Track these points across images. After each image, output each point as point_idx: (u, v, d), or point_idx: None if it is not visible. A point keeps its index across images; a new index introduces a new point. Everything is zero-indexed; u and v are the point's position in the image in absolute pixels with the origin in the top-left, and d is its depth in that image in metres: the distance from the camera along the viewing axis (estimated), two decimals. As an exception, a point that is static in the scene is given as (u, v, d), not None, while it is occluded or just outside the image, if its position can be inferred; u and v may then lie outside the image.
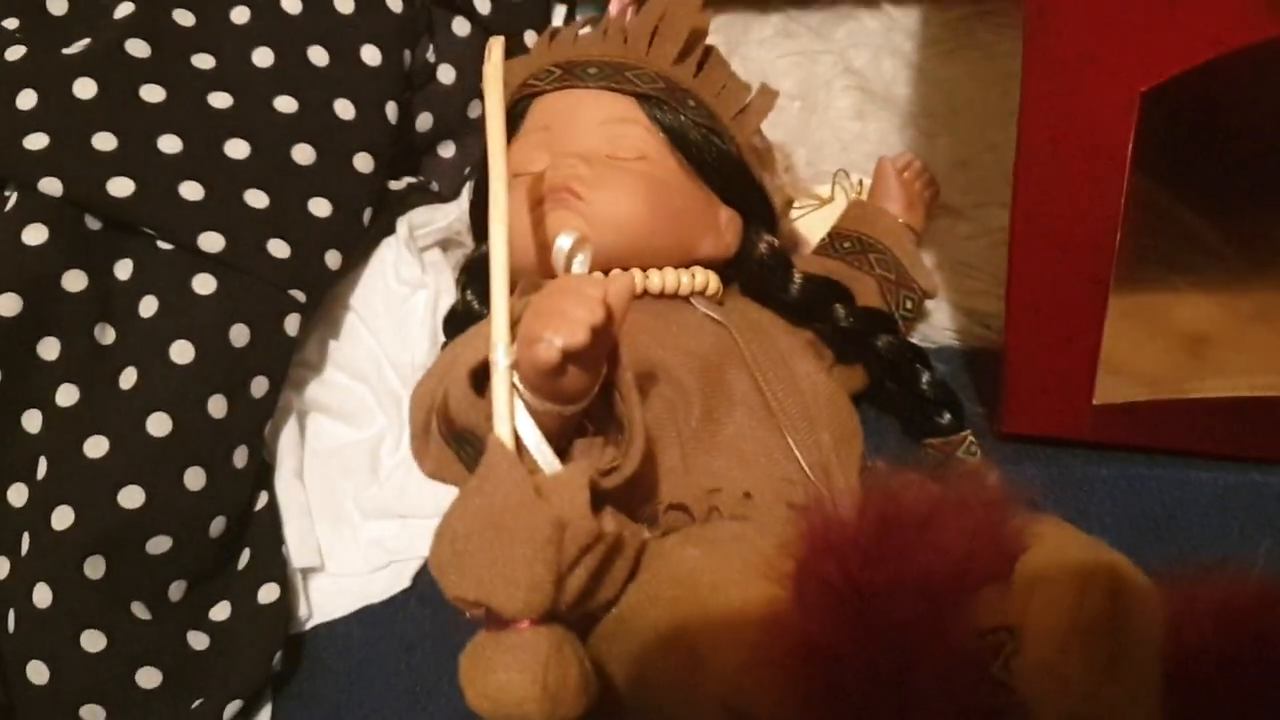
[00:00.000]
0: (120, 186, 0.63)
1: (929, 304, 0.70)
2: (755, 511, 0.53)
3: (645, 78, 0.63)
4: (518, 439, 0.47)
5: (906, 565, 0.39)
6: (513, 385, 0.48)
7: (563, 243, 0.51)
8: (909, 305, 0.67)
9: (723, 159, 0.63)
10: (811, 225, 0.73)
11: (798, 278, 0.63)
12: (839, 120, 0.79)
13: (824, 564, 0.40)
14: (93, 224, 0.64)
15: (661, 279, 0.61)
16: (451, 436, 0.54)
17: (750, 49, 0.82)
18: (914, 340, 0.70)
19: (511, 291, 0.50)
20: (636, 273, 0.61)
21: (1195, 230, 0.59)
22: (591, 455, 0.51)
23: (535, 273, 0.60)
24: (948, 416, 0.62)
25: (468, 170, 0.76)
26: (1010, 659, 0.40)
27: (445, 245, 0.74)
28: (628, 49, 0.64)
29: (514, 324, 0.49)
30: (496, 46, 0.58)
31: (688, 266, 0.62)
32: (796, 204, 0.74)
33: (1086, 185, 0.50)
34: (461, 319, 0.68)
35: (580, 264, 0.51)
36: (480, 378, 0.50)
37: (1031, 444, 0.63)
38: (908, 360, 0.62)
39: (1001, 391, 0.61)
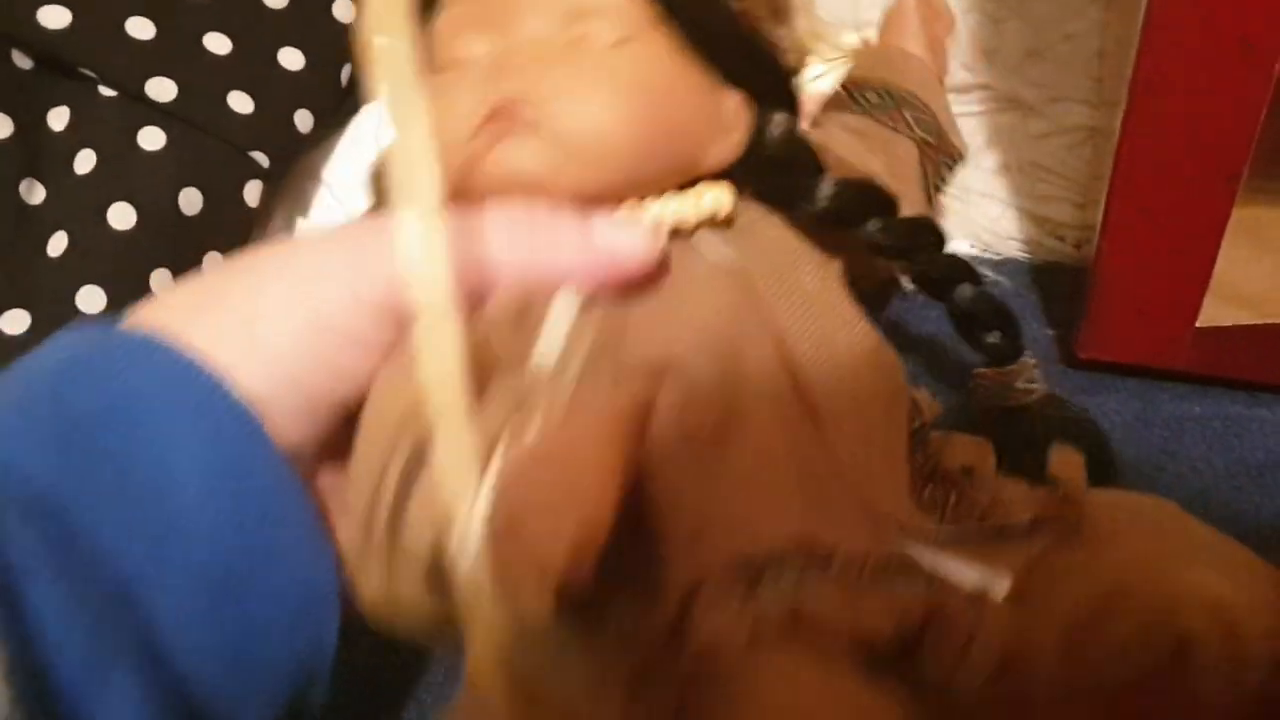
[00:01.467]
0: (54, 16, 0.53)
1: (994, 210, 0.61)
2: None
3: None
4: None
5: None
6: None
7: (561, 310, 0.34)
8: (944, 176, 0.52)
9: (729, 23, 0.43)
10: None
11: (828, 183, 0.44)
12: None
13: None
14: (22, 62, 0.54)
15: (660, 211, 0.41)
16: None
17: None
18: (973, 249, 0.61)
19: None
20: (625, 209, 0.41)
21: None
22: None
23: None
24: (998, 336, 0.48)
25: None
26: None
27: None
28: None
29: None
30: None
31: (690, 185, 0.43)
32: (818, 59, 0.60)
33: (1235, 44, 0.40)
34: None
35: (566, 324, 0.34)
36: None
37: (1110, 374, 0.54)
38: (954, 276, 0.47)
39: (1081, 311, 0.52)
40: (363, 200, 0.45)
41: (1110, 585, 0.35)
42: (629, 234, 0.37)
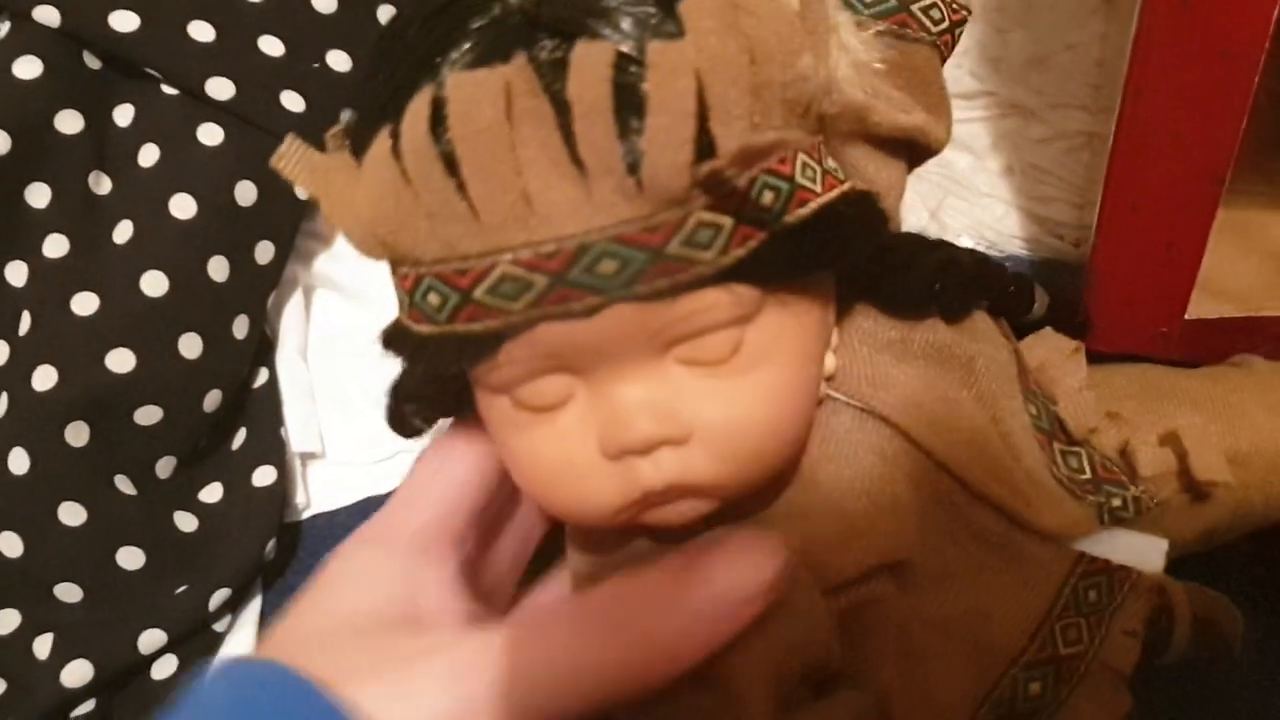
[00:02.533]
0: (124, 21, 0.57)
1: (997, 209, 0.65)
2: None
3: (701, 230, 0.32)
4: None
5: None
6: None
7: None
8: (958, 36, 0.47)
9: (837, 234, 0.35)
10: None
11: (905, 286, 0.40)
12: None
13: None
14: (92, 62, 0.58)
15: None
16: None
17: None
18: (979, 248, 0.65)
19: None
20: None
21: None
22: None
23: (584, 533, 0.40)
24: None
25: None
26: None
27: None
28: (625, 181, 0.31)
29: None
30: None
31: None
32: None
33: (1218, 55, 0.44)
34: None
35: None
36: None
37: (1106, 363, 0.57)
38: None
39: (1080, 305, 0.56)
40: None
41: None
42: (746, 561, 0.35)
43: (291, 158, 0.35)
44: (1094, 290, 0.54)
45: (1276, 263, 0.57)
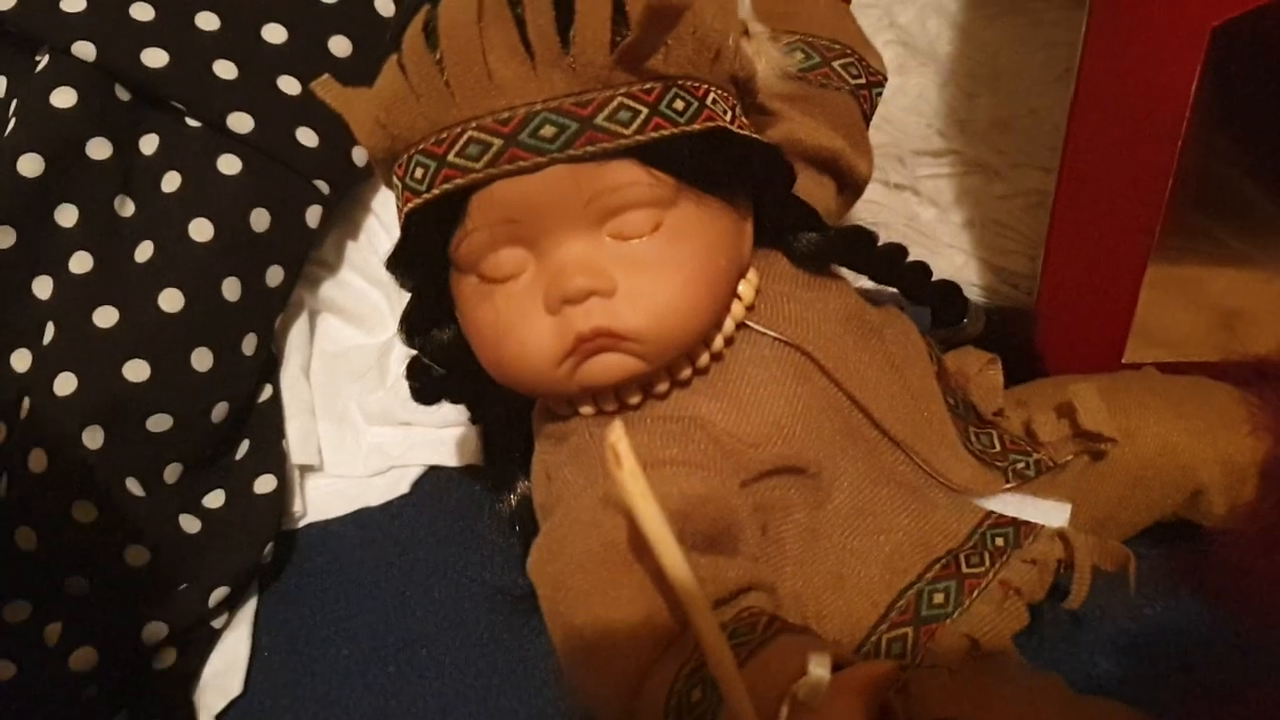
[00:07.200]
0: (154, 57, 0.62)
1: (958, 259, 0.69)
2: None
3: (622, 110, 0.41)
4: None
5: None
6: None
7: (816, 673, 0.35)
8: (874, 103, 0.57)
9: (741, 158, 0.45)
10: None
11: (808, 239, 0.49)
12: (879, 73, 0.78)
13: None
14: (122, 94, 0.63)
15: (721, 336, 0.47)
16: None
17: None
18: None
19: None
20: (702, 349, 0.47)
21: (1246, 198, 0.57)
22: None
23: (551, 399, 0.49)
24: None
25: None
26: None
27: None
28: (562, 61, 0.41)
29: None
30: (622, 443, 0.39)
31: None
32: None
33: (1144, 130, 0.49)
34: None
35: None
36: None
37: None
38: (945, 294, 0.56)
39: (1030, 350, 0.60)
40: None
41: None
42: None
43: (328, 87, 0.45)
44: (1041, 334, 0.59)
45: (1211, 315, 0.61)
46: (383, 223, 0.71)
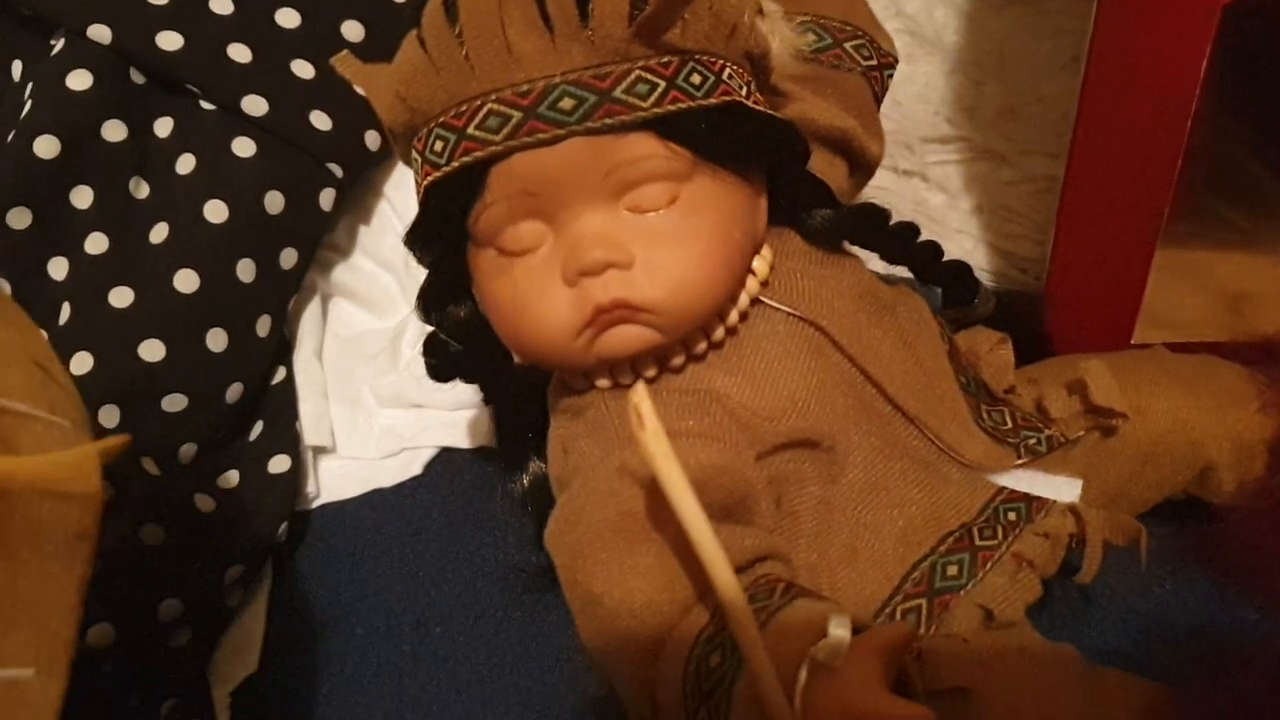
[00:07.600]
0: (169, 40, 0.62)
1: (967, 244, 0.70)
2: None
3: (640, 83, 0.42)
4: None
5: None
6: None
7: (837, 634, 0.36)
8: (886, 84, 0.57)
9: (756, 132, 0.45)
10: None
11: (822, 215, 0.50)
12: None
13: None
14: (137, 78, 0.63)
15: (736, 311, 0.47)
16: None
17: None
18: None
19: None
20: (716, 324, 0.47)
21: (1255, 180, 0.58)
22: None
23: (568, 371, 0.49)
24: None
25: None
26: None
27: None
28: (581, 34, 0.42)
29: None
30: (645, 404, 0.39)
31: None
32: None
33: (1154, 110, 0.49)
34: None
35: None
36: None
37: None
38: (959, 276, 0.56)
39: (1038, 333, 0.61)
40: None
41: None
42: None
43: (348, 62, 0.46)
44: (1050, 317, 0.59)
45: (1219, 298, 0.62)
46: (395, 208, 0.71)
